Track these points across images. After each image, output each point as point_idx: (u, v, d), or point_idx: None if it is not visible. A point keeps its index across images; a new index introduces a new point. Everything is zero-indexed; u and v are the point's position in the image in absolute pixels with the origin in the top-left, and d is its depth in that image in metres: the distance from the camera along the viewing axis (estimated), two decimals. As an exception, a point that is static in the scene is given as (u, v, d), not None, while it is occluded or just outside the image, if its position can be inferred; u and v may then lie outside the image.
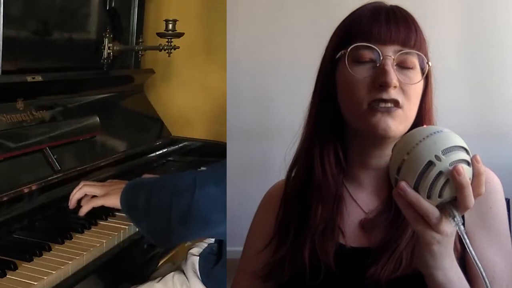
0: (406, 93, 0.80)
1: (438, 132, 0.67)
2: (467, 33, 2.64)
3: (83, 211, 1.29)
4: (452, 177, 0.64)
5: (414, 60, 0.81)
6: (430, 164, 0.65)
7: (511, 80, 2.65)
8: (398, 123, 0.79)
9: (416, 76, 0.81)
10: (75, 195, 1.31)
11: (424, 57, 0.82)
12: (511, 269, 0.80)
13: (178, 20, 1.85)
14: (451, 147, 0.66)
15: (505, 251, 0.81)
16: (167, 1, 2.18)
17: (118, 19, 1.91)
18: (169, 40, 1.88)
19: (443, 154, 0.65)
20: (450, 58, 2.60)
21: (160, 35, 1.87)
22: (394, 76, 0.78)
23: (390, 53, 0.80)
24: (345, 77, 0.82)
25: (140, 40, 1.99)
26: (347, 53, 0.82)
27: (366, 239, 0.83)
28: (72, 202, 1.31)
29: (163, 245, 1.33)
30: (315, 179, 0.85)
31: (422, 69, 0.82)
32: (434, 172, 0.65)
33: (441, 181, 0.65)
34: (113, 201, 1.27)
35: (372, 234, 0.82)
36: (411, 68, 0.81)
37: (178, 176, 1.23)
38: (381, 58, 0.79)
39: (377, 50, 0.80)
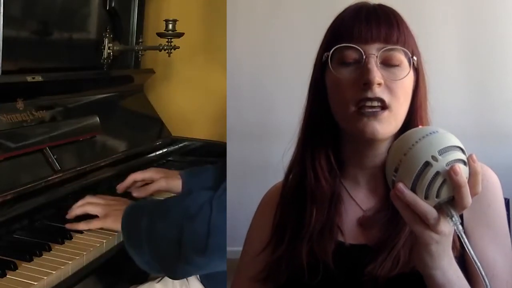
0: (392, 91, 0.79)
1: (434, 132, 0.67)
2: (467, 33, 2.64)
3: (78, 228, 1.25)
4: (449, 177, 0.65)
5: (399, 57, 0.81)
6: (427, 164, 0.66)
7: (511, 80, 2.65)
8: (386, 126, 0.79)
9: (403, 73, 0.81)
10: (76, 210, 1.28)
11: (409, 52, 0.82)
12: (510, 267, 0.80)
13: (178, 20, 1.85)
14: (447, 147, 0.66)
15: (504, 248, 0.81)
16: (167, 1, 2.18)
17: (118, 19, 1.91)
18: (169, 40, 1.88)
19: (440, 155, 0.65)
20: (450, 58, 2.60)
21: (160, 35, 1.87)
22: (377, 73, 0.78)
23: (373, 51, 0.80)
24: (332, 79, 0.83)
25: (140, 40, 1.99)
26: (329, 56, 0.82)
27: (365, 237, 0.83)
28: (71, 215, 1.28)
29: (174, 275, 1.21)
30: (308, 183, 0.85)
31: (410, 65, 0.82)
32: (431, 172, 0.65)
33: (438, 181, 0.65)
34: (112, 224, 1.23)
35: (371, 232, 0.83)
36: (398, 65, 0.81)
37: (187, 196, 1.18)
38: (364, 57, 0.80)
39: (359, 50, 0.80)
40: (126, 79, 1.97)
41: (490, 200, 0.81)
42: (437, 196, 0.66)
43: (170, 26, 1.84)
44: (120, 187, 1.48)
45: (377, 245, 0.80)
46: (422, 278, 0.72)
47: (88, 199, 1.31)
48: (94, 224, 1.26)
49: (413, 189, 0.67)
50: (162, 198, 1.40)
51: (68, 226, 1.26)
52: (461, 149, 0.67)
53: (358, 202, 0.86)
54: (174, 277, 1.24)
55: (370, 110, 0.78)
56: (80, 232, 1.25)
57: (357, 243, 0.83)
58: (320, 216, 0.83)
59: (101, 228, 1.28)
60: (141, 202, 1.31)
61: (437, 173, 0.65)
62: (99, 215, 1.27)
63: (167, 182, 1.48)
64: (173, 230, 1.10)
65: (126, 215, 1.21)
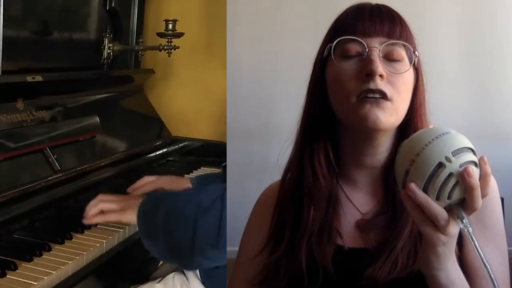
0: (394, 85, 0.80)
1: (446, 133, 0.67)
2: (467, 34, 2.64)
3: (94, 221, 1.26)
4: (462, 178, 0.64)
5: (401, 52, 0.81)
6: (440, 165, 0.65)
7: (511, 80, 2.65)
8: (388, 115, 0.79)
9: (404, 68, 0.81)
10: (91, 211, 1.26)
11: (411, 48, 0.82)
12: (506, 267, 0.81)
13: (178, 20, 1.85)
14: (460, 148, 0.66)
15: (500, 249, 0.82)
16: (167, 1, 2.18)
17: (118, 19, 1.91)
18: (169, 40, 1.88)
19: (453, 156, 0.65)
20: (450, 58, 2.61)
21: (160, 35, 1.87)
22: (379, 64, 0.79)
23: (376, 45, 0.80)
24: (334, 72, 0.83)
25: (140, 40, 1.99)
26: (332, 47, 0.83)
27: (363, 240, 0.83)
28: (88, 218, 1.25)
29: (189, 267, 1.24)
30: (306, 180, 0.85)
31: (411, 62, 0.82)
32: (444, 173, 0.65)
33: (451, 182, 0.65)
34: (130, 217, 1.22)
35: (369, 235, 0.82)
36: (399, 61, 0.81)
37: (202, 189, 1.18)
38: (367, 50, 0.80)
39: (362, 43, 0.80)
40: (126, 79, 1.97)
41: (488, 201, 0.81)
42: (449, 197, 0.66)
43: (170, 26, 1.84)
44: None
45: (376, 249, 0.80)
46: (420, 281, 0.72)
47: (101, 197, 1.29)
48: (112, 217, 1.25)
49: (425, 190, 0.66)
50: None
51: (86, 221, 1.25)
52: (473, 150, 0.67)
53: (356, 204, 0.86)
54: (189, 268, 1.25)
55: (372, 97, 0.78)
56: (81, 232, 1.25)
57: (356, 246, 0.82)
58: (318, 216, 0.83)
59: (102, 228, 1.28)
60: (158, 194, 1.30)
61: (450, 175, 0.65)
62: (114, 210, 1.25)
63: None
64: (187, 223, 1.11)
65: (144, 206, 1.20)
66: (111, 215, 1.25)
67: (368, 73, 0.78)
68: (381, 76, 0.78)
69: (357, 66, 0.80)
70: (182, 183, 1.50)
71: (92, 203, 1.28)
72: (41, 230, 1.26)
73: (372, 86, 0.78)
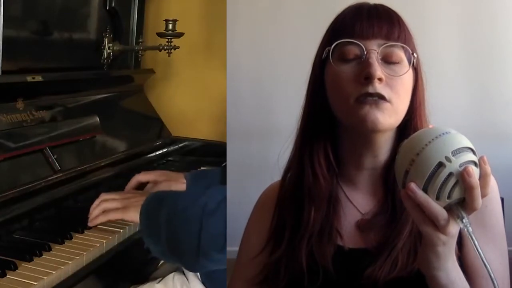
0: (393, 87, 0.79)
1: (446, 133, 0.67)
2: (467, 34, 2.64)
3: (98, 222, 1.26)
4: (462, 178, 0.65)
5: (400, 54, 0.81)
6: (440, 165, 0.65)
7: (511, 80, 2.65)
8: (387, 116, 0.79)
9: (403, 70, 0.81)
10: (94, 211, 1.27)
11: (410, 49, 0.82)
12: (506, 267, 0.81)
13: (178, 20, 1.85)
14: (460, 148, 0.66)
15: (500, 249, 0.82)
16: (167, 1, 2.18)
17: (118, 19, 1.91)
18: (169, 40, 1.88)
19: (453, 156, 0.65)
20: (450, 58, 2.61)
21: (160, 35, 1.87)
22: (378, 68, 0.78)
23: (374, 47, 0.80)
24: (333, 75, 0.83)
25: (140, 40, 1.99)
26: (331, 50, 0.83)
27: (363, 240, 0.83)
28: (92, 220, 1.26)
29: (192, 269, 1.23)
30: (306, 180, 0.85)
31: (410, 63, 0.82)
32: (444, 173, 0.65)
33: (451, 182, 0.65)
34: (132, 215, 1.22)
35: (369, 235, 0.82)
36: (398, 63, 0.81)
37: (205, 191, 1.18)
38: (365, 53, 0.80)
39: (360, 45, 0.80)
40: (126, 79, 1.97)
41: (487, 201, 0.81)
42: (448, 197, 0.66)
43: (170, 26, 1.84)
44: (127, 188, 1.47)
45: (376, 249, 0.80)
46: (420, 281, 0.72)
47: (103, 196, 1.29)
48: (114, 215, 1.25)
49: (425, 190, 0.66)
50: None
51: (90, 223, 1.26)
52: (472, 150, 0.67)
53: (356, 205, 0.86)
54: (192, 270, 1.25)
55: (371, 98, 0.78)
56: (81, 232, 1.25)
57: (356, 247, 0.83)
58: (319, 216, 0.83)
59: (102, 228, 1.28)
60: (162, 194, 1.30)
61: (450, 174, 0.65)
62: (116, 208, 1.26)
63: (169, 187, 1.47)
64: (192, 225, 1.10)
65: (146, 205, 1.19)
66: (114, 214, 1.26)
67: (367, 77, 0.78)
68: (379, 79, 0.78)
69: (355, 69, 0.80)
70: (176, 177, 1.50)
71: (95, 204, 1.28)
72: (41, 230, 1.26)
73: (370, 89, 0.78)
